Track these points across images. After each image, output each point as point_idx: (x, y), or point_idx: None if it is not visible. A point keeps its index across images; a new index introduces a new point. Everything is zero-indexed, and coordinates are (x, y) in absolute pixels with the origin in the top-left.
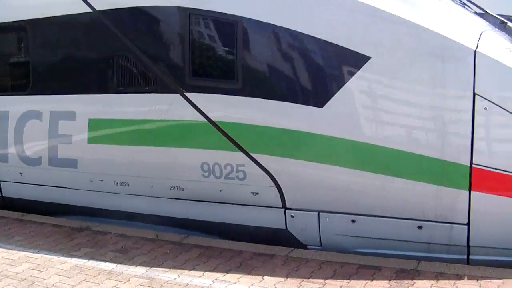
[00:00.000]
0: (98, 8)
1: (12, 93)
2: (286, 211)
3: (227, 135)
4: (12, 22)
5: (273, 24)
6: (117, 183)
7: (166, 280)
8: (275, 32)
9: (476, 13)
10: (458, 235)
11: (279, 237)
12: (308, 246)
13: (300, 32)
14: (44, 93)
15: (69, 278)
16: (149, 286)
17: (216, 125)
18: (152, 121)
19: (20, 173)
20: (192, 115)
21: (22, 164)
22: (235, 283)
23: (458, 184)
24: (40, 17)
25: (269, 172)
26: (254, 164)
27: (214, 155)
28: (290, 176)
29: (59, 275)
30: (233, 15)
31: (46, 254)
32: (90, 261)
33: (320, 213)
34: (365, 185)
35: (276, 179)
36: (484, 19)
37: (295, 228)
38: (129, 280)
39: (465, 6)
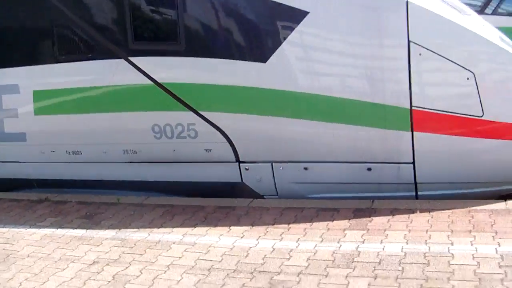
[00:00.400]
0: None
1: None
2: (240, 164)
3: (175, 96)
4: None
5: None
6: (70, 152)
7: (138, 239)
8: None
9: None
10: (405, 174)
11: (237, 190)
12: (265, 196)
13: None
14: None
15: (43, 247)
16: (122, 247)
17: (162, 87)
18: (98, 88)
19: None
20: (137, 79)
21: None
22: (204, 235)
23: (400, 126)
24: None
25: (220, 128)
26: (204, 122)
27: (164, 116)
28: (240, 131)
29: (32, 245)
30: None
31: (13, 227)
32: (59, 230)
33: (273, 164)
34: (314, 133)
35: (227, 134)
36: None
37: (250, 180)
38: (101, 243)
39: None
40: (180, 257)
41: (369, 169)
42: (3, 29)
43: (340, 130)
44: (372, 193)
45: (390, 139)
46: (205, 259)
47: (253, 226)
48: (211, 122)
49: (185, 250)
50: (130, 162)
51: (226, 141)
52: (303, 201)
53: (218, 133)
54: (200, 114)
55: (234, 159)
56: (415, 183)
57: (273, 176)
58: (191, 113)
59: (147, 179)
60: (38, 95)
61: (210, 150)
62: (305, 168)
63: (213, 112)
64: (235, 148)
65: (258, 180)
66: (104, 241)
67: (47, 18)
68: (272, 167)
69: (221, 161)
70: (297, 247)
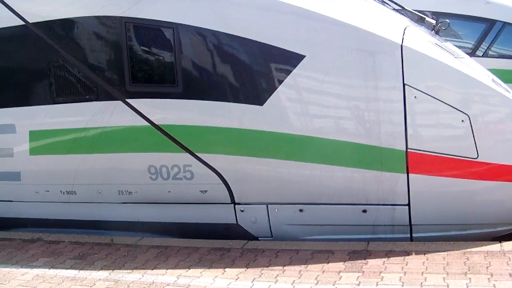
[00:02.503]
0: (31, 20)
1: None
2: (236, 206)
3: (172, 138)
4: None
5: (210, 29)
6: (64, 192)
7: (132, 281)
8: (213, 36)
9: (395, 9)
10: (400, 215)
11: (231, 232)
12: (259, 238)
13: (236, 36)
14: None
15: (34, 287)
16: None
17: (160, 129)
18: (95, 129)
19: None
20: (135, 120)
21: None
22: (199, 277)
23: (396, 168)
24: None
25: (216, 170)
26: (201, 163)
27: (160, 157)
28: (236, 172)
29: (23, 285)
30: (169, 22)
31: (4, 267)
32: (51, 270)
33: (268, 205)
34: (309, 175)
35: (223, 176)
36: (403, 15)
37: (245, 222)
38: (94, 284)
39: (385, 4)
40: None
41: (364, 211)
42: (3, 69)
43: (336, 172)
44: (367, 235)
45: (385, 181)
46: None
47: (247, 268)
48: (207, 163)
49: None
50: (125, 203)
51: (222, 182)
52: (298, 243)
53: (214, 174)
54: (196, 155)
55: (229, 201)
56: (410, 225)
57: (268, 217)
58: (188, 154)
59: (142, 220)
60: (35, 135)
61: (205, 191)
62: (300, 210)
63: (210, 154)
64: (230, 190)
65: (253, 221)
66: (97, 281)
67: (45, 59)
68: (268, 208)
69: (216, 203)
70: None
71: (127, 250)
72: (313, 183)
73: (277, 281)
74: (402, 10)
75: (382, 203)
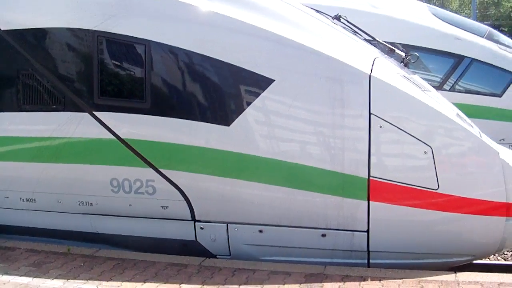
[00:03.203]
0: (2, 27)
1: None
2: (196, 223)
3: (136, 152)
4: None
5: (182, 48)
6: (23, 199)
7: None
8: (184, 55)
9: (366, 40)
10: (359, 241)
11: (190, 248)
12: (217, 256)
13: (207, 56)
14: None
15: None
16: None
17: (125, 142)
18: (60, 139)
19: None
20: (100, 133)
21: None
22: None
23: (357, 195)
24: None
25: (178, 187)
26: (163, 179)
27: (123, 171)
28: (198, 190)
29: None
30: (141, 39)
31: None
32: (4, 276)
33: (228, 225)
34: (271, 197)
35: (185, 193)
36: (374, 45)
37: (204, 239)
38: None
39: (357, 34)
40: None
41: (324, 235)
42: None
43: (297, 195)
44: (325, 259)
45: (346, 207)
46: None
47: (203, 285)
48: (170, 180)
49: None
50: (85, 214)
51: (183, 199)
52: (256, 263)
53: (176, 191)
54: (159, 171)
55: (190, 218)
56: (368, 251)
57: (228, 236)
58: (151, 169)
59: (101, 232)
60: None
61: (166, 207)
62: (260, 231)
63: (173, 171)
64: (191, 207)
65: (212, 239)
66: None
67: (14, 66)
68: (227, 227)
69: (176, 219)
70: None
71: (84, 261)
72: (275, 205)
73: None
74: (373, 41)
75: (341, 228)
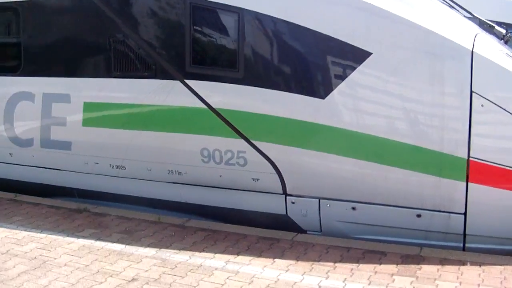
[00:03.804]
0: None
1: (2, 73)
2: (287, 197)
3: (228, 122)
4: (5, 2)
5: (278, 18)
6: (113, 166)
7: (179, 261)
8: (280, 25)
9: (465, 16)
10: (455, 224)
11: (279, 223)
12: (308, 232)
13: (303, 27)
14: (37, 75)
15: (80, 257)
16: (163, 267)
17: (217, 112)
18: (150, 106)
19: (10, 154)
20: (191, 102)
21: (12, 145)
22: (248, 265)
23: (455, 176)
24: None
25: (270, 159)
26: (255, 151)
27: (214, 141)
28: (291, 164)
29: (69, 254)
30: (235, 7)
31: (50, 234)
32: (98, 242)
33: (320, 200)
34: (366, 174)
35: (277, 166)
36: (473, 22)
37: (295, 214)
38: (141, 260)
39: (454, 9)
40: (222, 284)
41: (419, 215)
42: (62, 39)
43: (393, 173)
44: (418, 240)
45: (443, 188)
46: None
47: (297, 260)
48: (262, 152)
49: (227, 278)
50: (174, 183)
51: (275, 172)
52: (350, 241)
53: (268, 163)
54: (251, 143)
55: (281, 191)
56: (464, 234)
57: (319, 212)
58: (243, 141)
59: (189, 201)
60: (89, 107)
61: (257, 179)
62: (353, 208)
63: (266, 143)
64: (283, 181)
65: (303, 214)
66: (144, 259)
67: (105, 32)
68: (319, 203)
69: (267, 192)
70: (344, 286)
71: (174, 230)
72: (369, 182)
73: (328, 277)
74: (471, 18)
75: (437, 209)
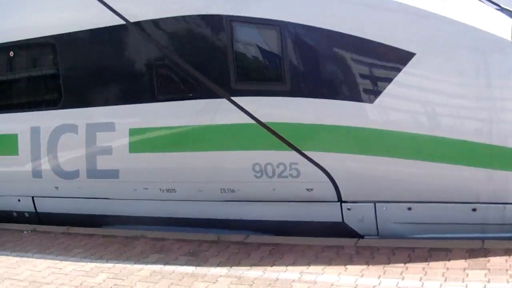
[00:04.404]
0: (132, 20)
1: (41, 108)
2: (342, 204)
3: (278, 135)
4: (39, 38)
5: (318, 27)
6: (163, 190)
7: (255, 277)
8: (320, 34)
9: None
10: (511, 214)
11: (335, 230)
12: (365, 236)
13: (345, 34)
14: (78, 106)
15: (156, 283)
16: (241, 284)
17: (266, 126)
18: (198, 126)
19: (56, 187)
20: (240, 118)
21: (57, 178)
22: (322, 274)
23: (508, 167)
24: (70, 31)
25: (323, 168)
26: (308, 162)
27: (266, 155)
28: (344, 170)
29: (144, 281)
30: (276, 20)
31: (117, 263)
32: (167, 266)
33: (376, 204)
34: (418, 173)
35: (331, 174)
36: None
37: (352, 220)
38: (217, 280)
39: (484, 2)
40: None
41: (474, 209)
42: (102, 68)
43: (445, 170)
44: (475, 234)
45: (497, 179)
46: None
47: (368, 265)
48: (314, 161)
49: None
50: (227, 201)
51: (329, 180)
52: (412, 241)
53: (321, 172)
54: (303, 153)
55: (336, 199)
56: None
57: (376, 216)
58: (295, 152)
59: (243, 218)
60: (135, 133)
61: (311, 189)
62: (409, 208)
63: (318, 152)
64: (337, 188)
65: (360, 220)
66: (219, 278)
67: (147, 58)
68: (375, 207)
69: (322, 201)
70: (422, 285)
71: (237, 248)
72: (423, 181)
73: (403, 277)
74: (501, 9)
75: (492, 202)
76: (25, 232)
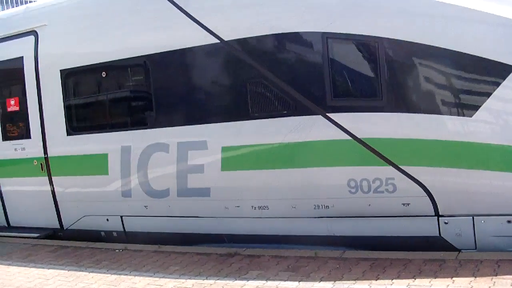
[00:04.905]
0: (226, 38)
1: (134, 127)
2: (439, 218)
3: (375, 151)
4: (131, 58)
5: (413, 42)
6: (255, 207)
7: None
8: (417, 49)
9: None
10: None
11: (432, 244)
12: (462, 250)
13: (441, 48)
14: (170, 125)
15: None
16: None
17: (362, 142)
18: (293, 143)
19: (145, 207)
20: (336, 134)
21: (147, 197)
22: (430, 286)
23: None
24: (166, 50)
25: (420, 183)
26: (405, 176)
27: (362, 171)
28: (442, 184)
29: None
30: (372, 36)
31: (217, 279)
32: (269, 282)
33: (474, 217)
34: None
35: (428, 188)
36: None
37: (449, 234)
38: None
39: None
40: None
41: None
42: (192, 88)
43: None
44: None
45: None
46: None
47: (475, 277)
48: (411, 176)
49: None
50: (321, 217)
51: (426, 195)
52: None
53: (419, 187)
54: (400, 168)
55: (433, 213)
56: None
57: (474, 229)
58: (391, 167)
59: (337, 234)
60: (228, 151)
61: (408, 204)
62: (509, 221)
63: (415, 167)
64: (435, 202)
65: (457, 234)
66: None
67: (241, 76)
68: (473, 220)
69: (418, 215)
70: None
71: (337, 263)
72: None
73: None
74: None
75: None
76: (116, 250)
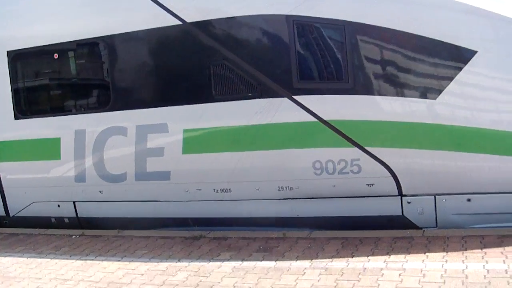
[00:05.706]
0: (188, 20)
1: (89, 111)
2: (403, 198)
3: (340, 133)
4: (87, 39)
5: (379, 26)
6: (217, 190)
7: (341, 268)
8: (381, 33)
9: None
10: None
11: (394, 223)
12: (423, 228)
13: (407, 33)
14: (128, 108)
15: (243, 278)
16: (330, 275)
17: (328, 124)
18: (257, 126)
19: (100, 191)
20: (301, 117)
21: (102, 182)
22: (406, 261)
23: None
24: (126, 31)
25: (385, 163)
26: (370, 158)
27: (327, 152)
28: (406, 165)
29: (229, 277)
30: (339, 20)
31: (190, 262)
32: (245, 262)
33: (436, 196)
34: (480, 166)
35: (392, 169)
36: None
37: (411, 213)
38: (304, 272)
39: None
40: (401, 281)
41: None
42: (156, 69)
43: (505, 162)
44: None
45: None
46: (428, 281)
47: (447, 252)
48: (376, 157)
49: (400, 275)
50: (284, 199)
51: (390, 175)
52: (479, 230)
53: (383, 168)
54: (365, 150)
55: (396, 193)
56: None
57: (435, 208)
58: (357, 149)
59: (301, 215)
60: (190, 134)
61: (372, 184)
62: (468, 200)
63: (380, 148)
64: (398, 182)
65: (419, 212)
66: (305, 270)
67: (203, 59)
68: (435, 199)
69: (382, 195)
70: (508, 267)
71: (307, 242)
72: (483, 173)
73: (487, 261)
74: None
75: None
76: (73, 236)
